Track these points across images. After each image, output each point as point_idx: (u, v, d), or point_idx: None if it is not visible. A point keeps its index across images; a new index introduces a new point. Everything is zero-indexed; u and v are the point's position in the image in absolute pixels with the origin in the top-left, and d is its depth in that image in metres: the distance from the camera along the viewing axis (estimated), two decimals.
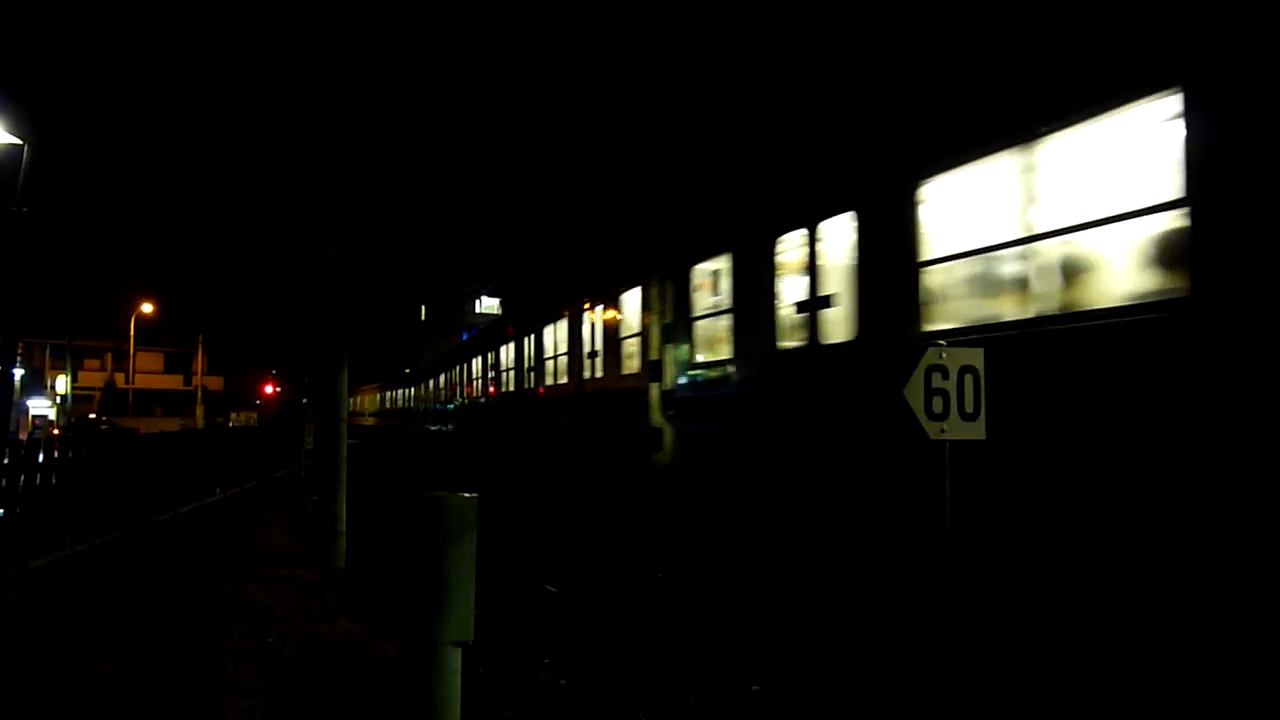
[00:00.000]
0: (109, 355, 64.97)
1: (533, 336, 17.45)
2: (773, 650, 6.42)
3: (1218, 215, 4.12)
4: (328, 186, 9.37)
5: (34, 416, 47.79)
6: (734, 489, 8.75)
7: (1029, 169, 5.21)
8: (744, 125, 10.56)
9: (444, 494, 2.98)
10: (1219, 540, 4.09)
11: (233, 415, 60.77)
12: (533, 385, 17.47)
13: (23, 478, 7.68)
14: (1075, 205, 4.98)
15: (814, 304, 7.46)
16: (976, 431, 5.09)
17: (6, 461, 7.41)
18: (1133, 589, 4.54)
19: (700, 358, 9.71)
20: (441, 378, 31.82)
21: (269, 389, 72.67)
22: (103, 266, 67.76)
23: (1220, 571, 4.09)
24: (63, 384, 44.06)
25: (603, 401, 12.70)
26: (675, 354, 10.03)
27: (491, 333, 23.38)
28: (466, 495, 3.01)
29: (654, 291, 10.69)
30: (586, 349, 13.54)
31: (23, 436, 34.49)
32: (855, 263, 6.87)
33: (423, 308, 79.81)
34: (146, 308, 55.22)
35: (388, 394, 52.62)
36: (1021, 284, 5.40)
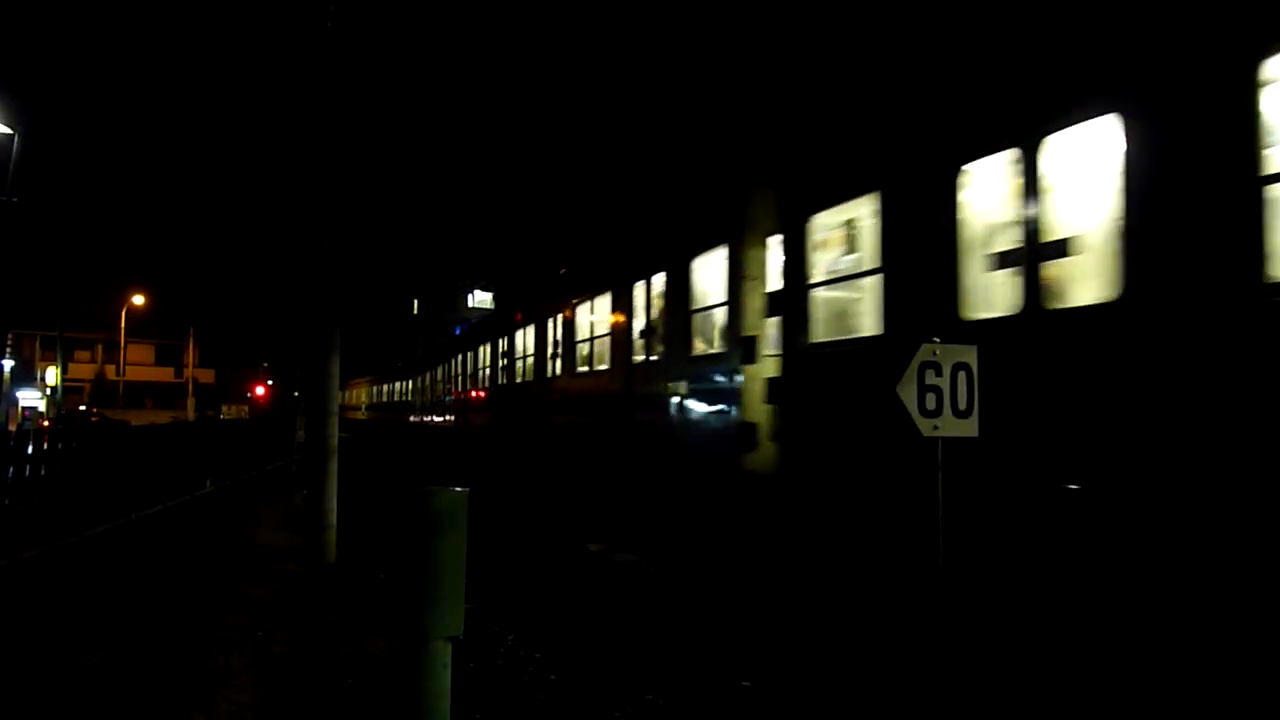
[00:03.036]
0: (99, 347, 64.62)
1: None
2: (766, 646, 6.42)
3: None
4: (321, 179, 9.33)
5: (23, 408, 47.55)
6: None
7: None
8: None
9: (434, 489, 2.97)
10: None
11: (224, 408, 60.62)
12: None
13: (11, 469, 7.64)
14: None
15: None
16: (970, 429, 5.10)
17: None
18: None
19: None
20: (439, 370, 30.99)
21: (260, 382, 72.50)
22: (94, 258, 67.59)
23: None
24: (53, 375, 43.87)
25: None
26: None
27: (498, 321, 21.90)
28: (457, 490, 3.00)
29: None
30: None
31: (12, 428, 34.32)
32: None
33: (415, 301, 79.72)
34: (138, 299, 54.98)
35: (378, 388, 52.44)
36: None
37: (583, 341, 14.45)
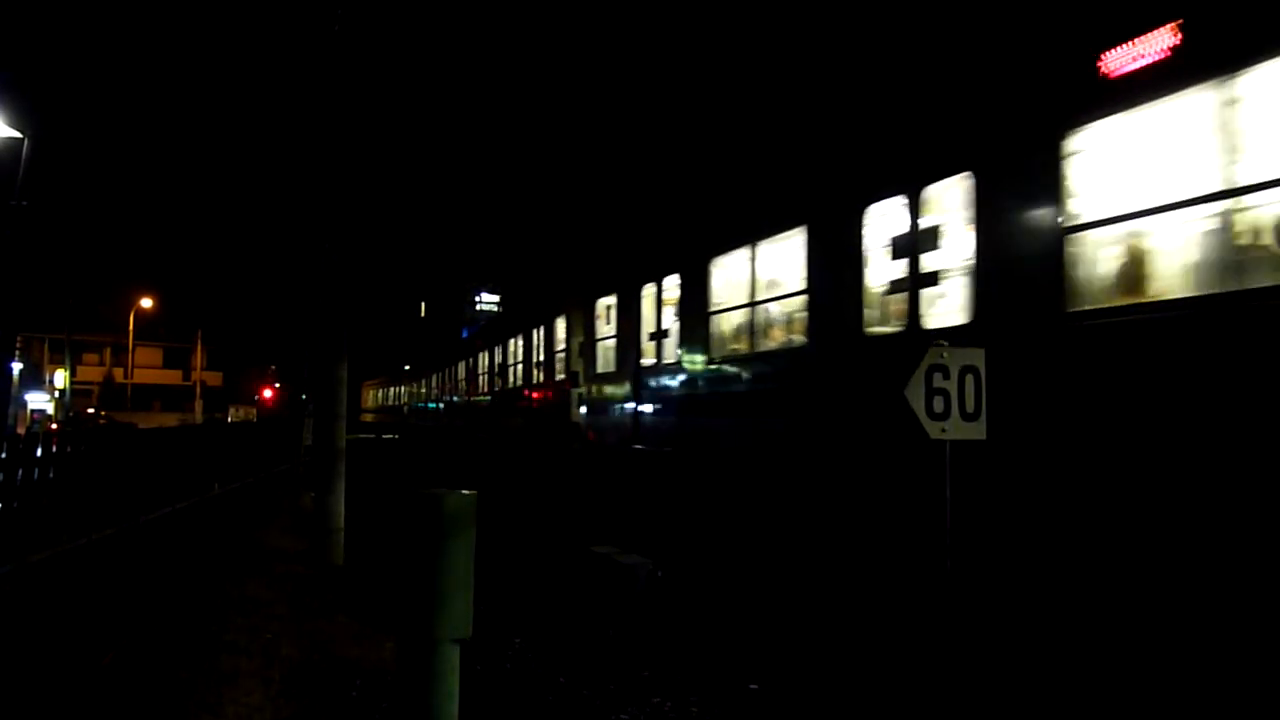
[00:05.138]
0: (108, 350, 64.90)
1: None
2: (772, 648, 6.41)
3: None
4: (328, 183, 9.35)
5: (32, 411, 47.65)
6: None
7: None
8: None
9: (442, 491, 2.97)
10: None
11: (231, 410, 60.75)
12: None
13: (20, 472, 7.66)
14: None
15: None
16: (977, 431, 5.09)
17: (4, 456, 7.40)
18: None
19: None
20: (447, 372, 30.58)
21: (268, 385, 72.65)
22: (102, 261, 67.78)
23: None
24: (61, 378, 44.01)
25: None
26: None
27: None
28: (465, 493, 3.00)
29: None
30: None
31: (21, 431, 34.43)
32: None
33: (423, 304, 79.93)
34: (146, 302, 55.21)
35: (385, 390, 52.48)
36: None
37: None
